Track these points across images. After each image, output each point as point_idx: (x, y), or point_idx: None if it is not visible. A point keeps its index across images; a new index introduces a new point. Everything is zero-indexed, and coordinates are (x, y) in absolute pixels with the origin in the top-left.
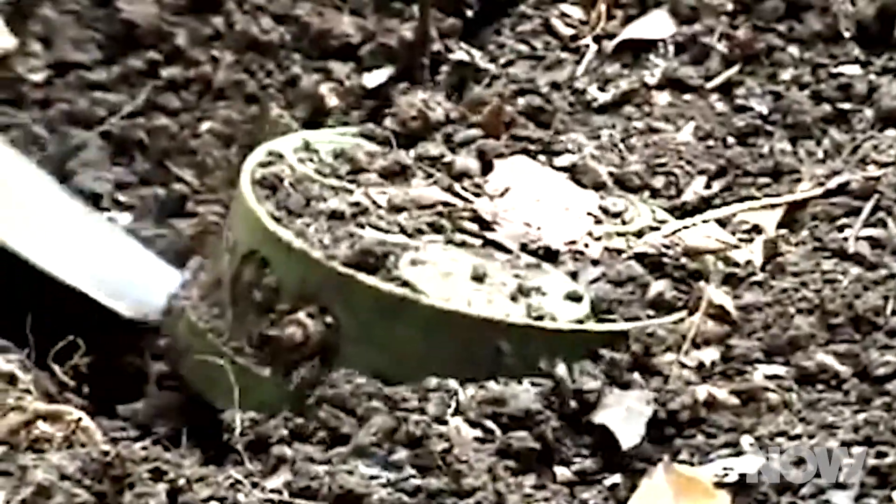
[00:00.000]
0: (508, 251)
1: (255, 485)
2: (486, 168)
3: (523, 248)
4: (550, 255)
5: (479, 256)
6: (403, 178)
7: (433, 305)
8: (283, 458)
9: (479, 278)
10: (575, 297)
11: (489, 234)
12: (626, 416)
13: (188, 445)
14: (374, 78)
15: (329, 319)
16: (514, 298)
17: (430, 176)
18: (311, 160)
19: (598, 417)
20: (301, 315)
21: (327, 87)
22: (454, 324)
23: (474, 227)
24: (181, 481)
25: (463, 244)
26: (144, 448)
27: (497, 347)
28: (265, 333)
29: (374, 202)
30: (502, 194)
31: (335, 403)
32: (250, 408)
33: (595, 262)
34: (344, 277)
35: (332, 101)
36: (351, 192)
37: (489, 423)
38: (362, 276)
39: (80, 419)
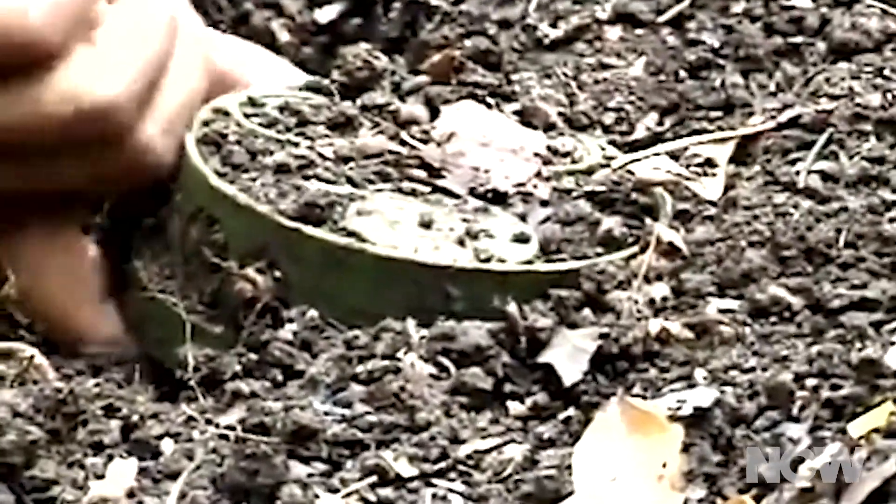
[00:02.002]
0: (456, 196)
1: (208, 421)
2: (434, 115)
3: (471, 192)
4: (499, 198)
5: (427, 203)
6: (350, 129)
7: (379, 254)
8: (236, 393)
9: (426, 225)
10: (523, 239)
11: (436, 181)
12: (570, 353)
13: (141, 382)
14: (326, 13)
15: (278, 274)
16: (461, 243)
17: (376, 125)
18: (257, 115)
19: (544, 357)
20: (250, 271)
21: (278, 23)
22: (402, 271)
23: (422, 174)
24: (135, 417)
25: (411, 192)
26: (98, 385)
27: (446, 293)
28: (215, 290)
29: (320, 154)
30: (449, 139)
31: (288, 340)
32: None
33: (544, 203)
34: (290, 231)
35: (284, 36)
36: (297, 144)
37: (443, 360)
38: (308, 229)
39: (32, 356)
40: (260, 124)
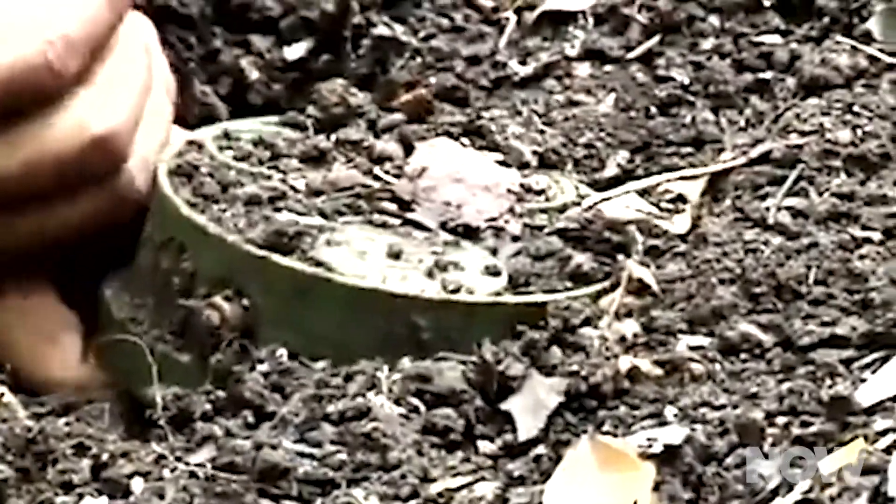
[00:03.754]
0: (427, 230)
1: (178, 459)
2: (409, 151)
3: (443, 226)
4: (470, 233)
5: (397, 235)
6: (324, 163)
7: (347, 283)
8: (206, 433)
9: (395, 255)
10: (493, 272)
11: (408, 214)
12: (533, 405)
13: (111, 420)
14: (295, 51)
15: (246, 302)
16: (430, 274)
17: (350, 160)
18: (231, 148)
19: (507, 404)
20: (217, 299)
21: (248, 60)
22: (369, 301)
23: (393, 207)
24: (105, 456)
25: (382, 225)
26: (68, 424)
27: (414, 323)
28: (183, 319)
29: (291, 187)
30: (421, 174)
31: (258, 380)
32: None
33: (515, 238)
34: (259, 259)
35: (254, 74)
36: (269, 177)
37: (414, 401)
38: (277, 257)
39: (2, 394)
40: (234, 157)
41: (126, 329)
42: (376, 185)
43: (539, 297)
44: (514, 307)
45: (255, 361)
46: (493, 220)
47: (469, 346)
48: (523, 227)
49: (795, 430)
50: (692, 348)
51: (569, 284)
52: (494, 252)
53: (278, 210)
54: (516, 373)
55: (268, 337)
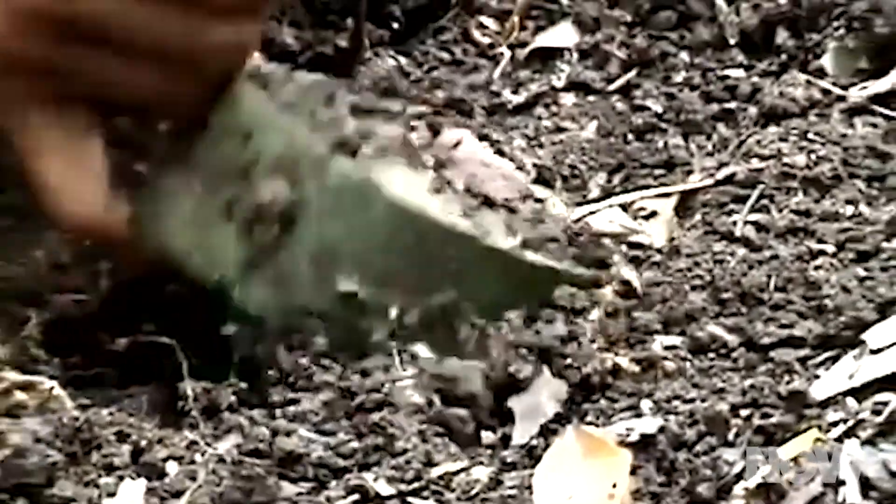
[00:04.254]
0: (455, 189)
1: (207, 445)
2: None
3: (467, 190)
4: (489, 203)
5: (433, 184)
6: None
7: (395, 198)
8: (232, 423)
9: (437, 191)
10: (513, 232)
11: (442, 170)
12: (530, 411)
13: (148, 410)
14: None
15: (298, 193)
16: (465, 215)
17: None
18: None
19: (511, 402)
20: (273, 182)
21: None
22: (412, 221)
23: (430, 160)
24: (143, 442)
25: (422, 168)
26: (110, 414)
27: (447, 254)
28: (233, 197)
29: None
30: (455, 146)
31: (282, 376)
32: (210, 264)
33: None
34: (319, 155)
35: None
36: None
37: (432, 398)
38: (337, 157)
39: (52, 388)
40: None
41: (167, 201)
42: (416, 141)
43: (553, 263)
44: (532, 267)
45: (288, 346)
46: (509, 201)
47: (484, 290)
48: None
49: (757, 421)
50: (666, 347)
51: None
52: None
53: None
54: (526, 374)
55: (310, 229)
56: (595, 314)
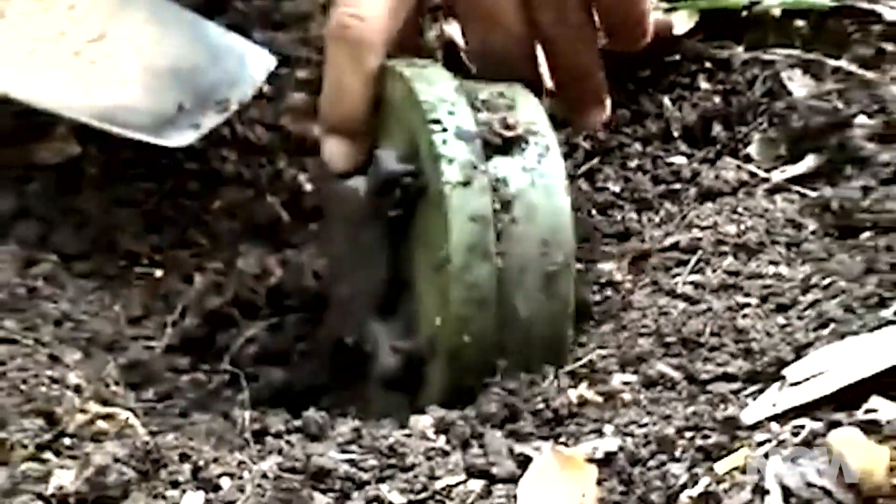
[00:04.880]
0: None
1: (254, 463)
2: None
3: None
4: None
5: None
6: None
7: None
8: (275, 446)
9: None
10: None
11: None
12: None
13: (206, 435)
14: None
15: None
16: None
17: None
18: None
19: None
20: None
21: (304, 177)
22: None
23: None
24: (201, 462)
25: None
26: (175, 438)
27: None
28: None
29: None
30: None
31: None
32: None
33: None
34: None
35: (307, 187)
36: None
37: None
38: None
39: (127, 418)
40: None
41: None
42: None
43: None
44: None
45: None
46: None
47: None
48: None
49: (698, 442)
50: (623, 383)
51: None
52: None
53: None
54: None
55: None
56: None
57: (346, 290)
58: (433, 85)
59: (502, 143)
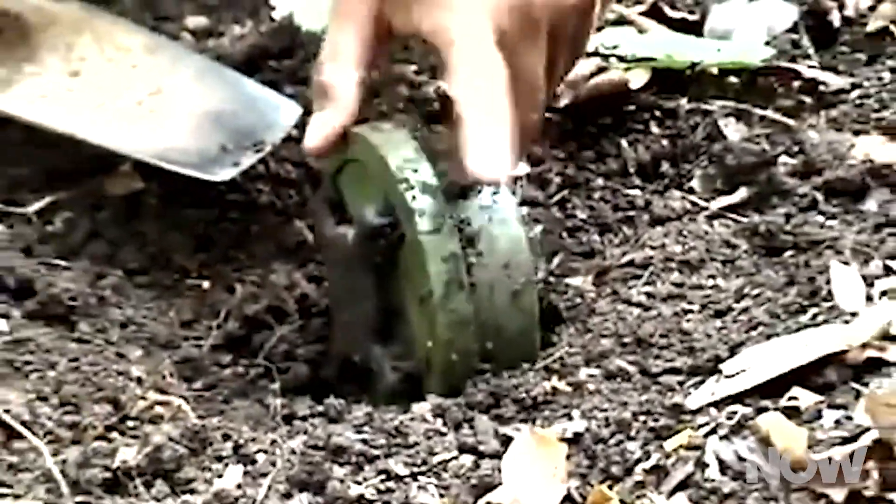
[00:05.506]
0: None
1: (284, 442)
2: None
3: None
4: None
5: None
6: None
7: None
8: (301, 427)
9: None
10: None
11: None
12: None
13: (245, 418)
14: None
15: None
16: None
17: None
18: None
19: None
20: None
21: None
22: None
23: None
24: (241, 440)
25: None
26: (219, 421)
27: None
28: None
29: None
30: None
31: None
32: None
33: None
34: None
35: None
36: None
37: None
38: None
39: (180, 405)
40: None
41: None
42: None
43: None
44: None
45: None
46: None
47: None
48: None
49: (650, 424)
50: (589, 376)
51: None
52: None
53: None
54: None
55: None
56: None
57: (347, 317)
58: (399, 149)
59: (460, 190)
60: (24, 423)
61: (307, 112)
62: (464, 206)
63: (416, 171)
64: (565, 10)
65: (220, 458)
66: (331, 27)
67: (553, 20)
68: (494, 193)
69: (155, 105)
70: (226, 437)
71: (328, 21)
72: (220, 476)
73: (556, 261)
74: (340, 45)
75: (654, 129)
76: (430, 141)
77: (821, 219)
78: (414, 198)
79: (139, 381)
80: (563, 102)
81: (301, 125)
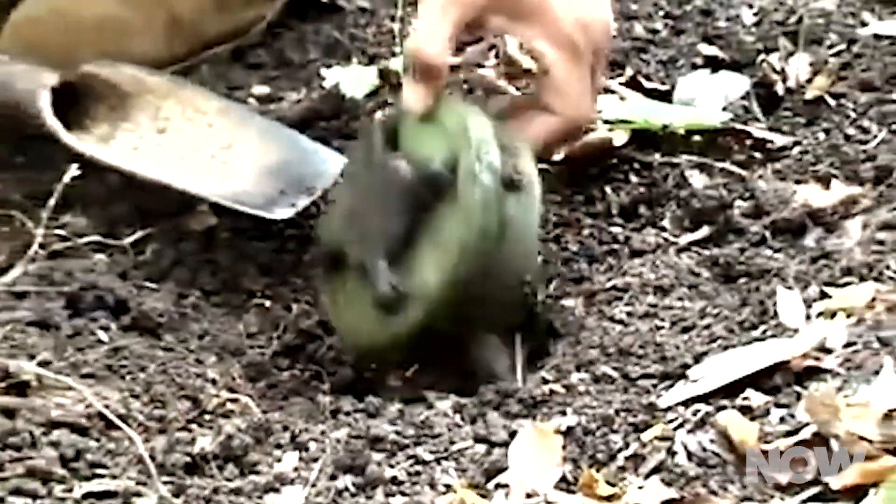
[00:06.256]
0: None
1: (331, 432)
2: None
3: None
4: None
5: None
6: None
7: None
8: (346, 421)
9: None
10: None
11: None
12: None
13: (300, 413)
14: None
15: None
16: None
17: None
18: None
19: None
20: None
21: None
22: None
23: None
24: (296, 431)
25: None
26: (279, 416)
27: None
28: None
29: None
30: None
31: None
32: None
33: None
34: None
35: None
36: None
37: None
38: None
39: (246, 402)
40: None
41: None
42: None
43: None
44: None
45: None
46: None
47: None
48: None
49: (629, 420)
50: (579, 379)
51: None
52: None
53: None
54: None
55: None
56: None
57: (369, 227)
58: (481, 127)
59: (510, 182)
60: (119, 417)
61: (346, 158)
62: (506, 195)
63: (487, 152)
64: (606, 32)
65: (279, 446)
66: (430, 10)
67: (597, 40)
68: (528, 195)
69: (226, 157)
70: (284, 429)
71: (422, 6)
72: (279, 461)
73: (552, 286)
74: (439, 29)
75: (633, 178)
76: (499, 132)
77: (769, 252)
78: (479, 171)
79: (214, 382)
80: (560, 156)
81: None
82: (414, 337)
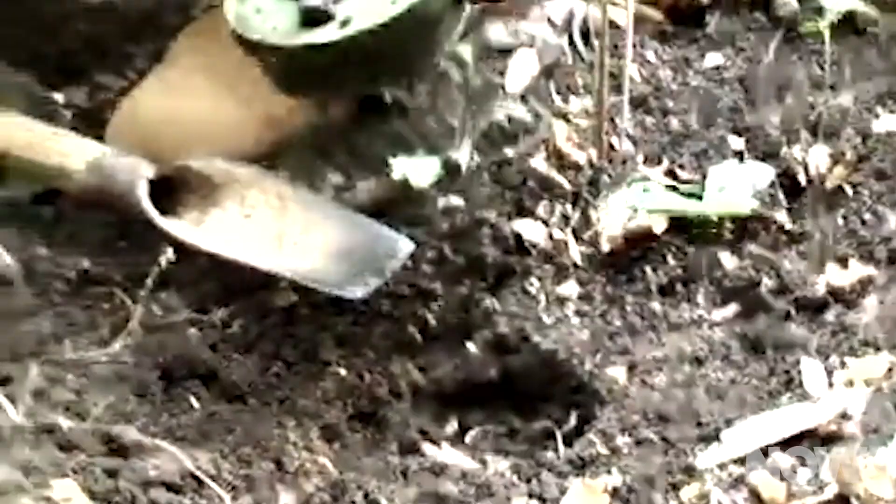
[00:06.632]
0: None
1: (401, 489)
2: None
3: None
4: None
5: None
6: None
7: None
8: (415, 480)
9: None
10: None
11: None
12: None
13: (371, 472)
14: None
15: None
16: None
17: None
18: None
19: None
20: None
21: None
22: None
23: None
24: (369, 489)
25: None
26: (353, 475)
27: None
28: None
29: None
30: None
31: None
32: None
33: None
34: None
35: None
36: None
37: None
38: None
39: (325, 463)
40: None
41: None
42: None
43: None
44: None
45: None
46: None
47: None
48: None
49: (669, 479)
50: (624, 443)
51: None
52: None
53: None
54: None
55: None
56: None
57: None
58: None
59: None
60: (210, 476)
61: (417, 245)
62: None
63: None
64: None
65: (353, 503)
66: None
67: None
68: None
69: (305, 240)
70: (358, 488)
71: None
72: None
73: (598, 357)
74: None
75: (671, 260)
76: None
77: (793, 326)
78: None
79: (294, 444)
80: (607, 248)
81: (412, 257)
82: (329, 55)
